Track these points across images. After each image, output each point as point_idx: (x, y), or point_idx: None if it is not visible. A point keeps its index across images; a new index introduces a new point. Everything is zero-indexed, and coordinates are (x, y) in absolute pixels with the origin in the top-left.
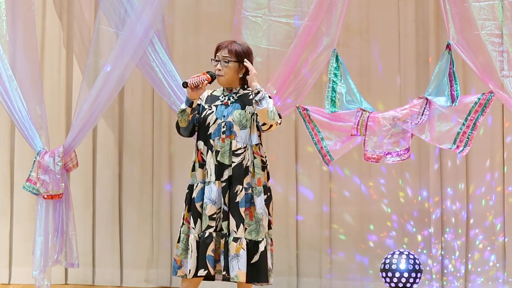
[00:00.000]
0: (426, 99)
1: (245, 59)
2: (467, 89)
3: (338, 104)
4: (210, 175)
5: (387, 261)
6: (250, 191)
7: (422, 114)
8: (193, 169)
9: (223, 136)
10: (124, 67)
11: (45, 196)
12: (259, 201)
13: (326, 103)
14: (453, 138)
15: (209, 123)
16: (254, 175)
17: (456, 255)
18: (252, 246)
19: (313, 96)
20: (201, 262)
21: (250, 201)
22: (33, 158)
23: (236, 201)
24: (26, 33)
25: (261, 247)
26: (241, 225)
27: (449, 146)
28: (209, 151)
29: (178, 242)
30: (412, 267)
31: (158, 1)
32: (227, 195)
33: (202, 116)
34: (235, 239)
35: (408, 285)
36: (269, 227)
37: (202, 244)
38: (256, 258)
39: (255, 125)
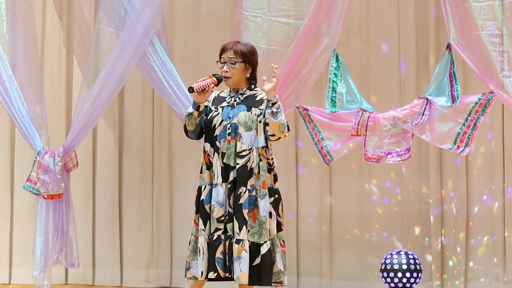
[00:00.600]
0: (427, 99)
1: (273, 67)
2: (467, 89)
3: (338, 104)
4: (217, 177)
5: (387, 261)
6: (254, 193)
7: (423, 114)
8: (201, 171)
9: (229, 137)
10: (124, 67)
11: (45, 196)
12: (263, 203)
13: (326, 103)
14: (453, 138)
15: (215, 125)
16: (259, 177)
17: (456, 254)
18: (254, 249)
19: (313, 96)
20: (210, 265)
21: (253, 203)
22: (33, 158)
23: (239, 203)
24: (26, 33)
25: (263, 250)
26: (244, 227)
27: (449, 146)
28: (216, 153)
29: (190, 244)
30: (412, 267)
31: (158, 1)
32: (231, 197)
33: (208, 118)
34: (238, 241)
35: (408, 285)
36: (280, 229)
37: (211, 247)
38: (257, 260)
39: (261, 127)
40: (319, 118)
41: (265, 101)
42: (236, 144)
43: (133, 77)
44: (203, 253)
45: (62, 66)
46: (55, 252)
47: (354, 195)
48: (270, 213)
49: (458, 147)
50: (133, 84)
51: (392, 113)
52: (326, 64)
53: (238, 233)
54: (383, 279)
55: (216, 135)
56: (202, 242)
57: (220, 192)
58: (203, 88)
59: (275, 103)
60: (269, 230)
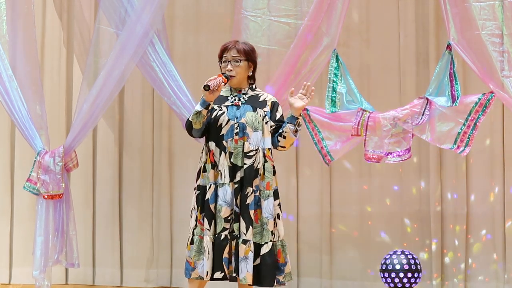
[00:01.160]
0: (427, 99)
1: (309, 86)
2: (467, 89)
3: (338, 104)
4: (224, 177)
5: (387, 261)
6: (257, 193)
7: (423, 114)
8: (204, 170)
9: (236, 137)
10: (124, 67)
11: (45, 196)
12: (266, 205)
13: (326, 103)
14: (453, 138)
15: (221, 124)
16: (263, 178)
17: (456, 254)
18: (255, 249)
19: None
20: (217, 265)
21: (257, 204)
22: (33, 158)
23: (246, 203)
24: (26, 33)
25: (263, 251)
26: (251, 227)
27: (449, 146)
28: (222, 153)
29: (191, 244)
30: (411, 267)
31: (158, 1)
32: (238, 197)
33: (212, 116)
34: (244, 241)
35: (408, 285)
36: None
37: (218, 247)
38: (257, 261)
39: (267, 129)
40: (319, 118)
41: (270, 104)
42: (243, 144)
43: (133, 77)
44: (208, 253)
45: (62, 66)
46: (55, 252)
47: (354, 195)
48: (278, 215)
49: (458, 147)
50: (133, 84)
51: (392, 113)
52: (326, 64)
53: (245, 233)
54: (383, 279)
55: (223, 134)
56: (207, 242)
57: (228, 191)
58: (215, 86)
59: (299, 123)
60: (278, 232)
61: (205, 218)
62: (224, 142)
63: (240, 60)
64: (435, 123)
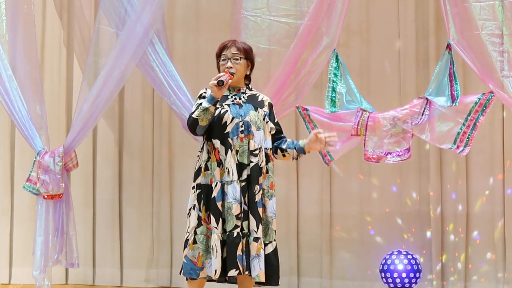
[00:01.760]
0: (426, 99)
1: (334, 140)
2: (467, 89)
3: (338, 104)
4: (232, 174)
5: (387, 261)
6: (261, 192)
7: (422, 114)
8: (206, 169)
9: (242, 135)
10: (124, 67)
11: (45, 196)
12: (271, 204)
13: (326, 103)
14: (453, 138)
15: (225, 122)
16: (266, 177)
17: (456, 254)
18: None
19: (313, 96)
20: (231, 262)
21: (260, 202)
22: (33, 158)
23: (255, 201)
24: (26, 32)
25: (268, 250)
26: (260, 225)
27: (449, 146)
28: (229, 150)
29: (195, 243)
30: (411, 267)
31: (158, 1)
32: (246, 195)
33: (215, 114)
34: (256, 239)
35: (408, 285)
36: None
37: (232, 244)
38: None
39: (267, 129)
40: (319, 118)
41: (267, 105)
42: (249, 142)
43: (133, 77)
44: (216, 251)
45: (62, 66)
46: (55, 252)
47: (354, 195)
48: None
49: (458, 147)
50: (133, 84)
51: (392, 113)
52: (326, 64)
53: (255, 231)
54: (383, 279)
55: (228, 132)
56: (215, 240)
57: (237, 189)
58: (226, 82)
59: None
60: (274, 232)
61: (211, 216)
62: (229, 140)
63: (240, 58)
64: (435, 123)
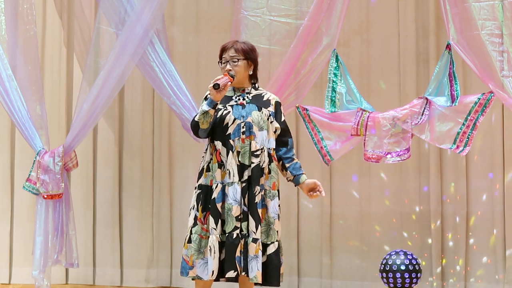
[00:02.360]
0: (426, 99)
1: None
2: (467, 89)
3: (338, 104)
4: (233, 176)
5: (387, 261)
6: (262, 192)
7: (422, 114)
8: (208, 170)
9: (243, 136)
10: (124, 67)
11: (45, 196)
12: (272, 204)
13: (326, 103)
14: (453, 138)
15: (227, 123)
16: (268, 178)
17: (455, 254)
18: (262, 248)
19: (313, 96)
20: (230, 264)
21: (262, 203)
22: (33, 158)
23: (255, 202)
24: (26, 32)
25: (269, 250)
26: (259, 226)
27: (449, 146)
28: (230, 152)
29: (189, 242)
30: (411, 267)
31: (158, 1)
32: (246, 196)
33: (217, 116)
34: (254, 240)
35: (407, 285)
36: None
37: (230, 246)
38: (263, 259)
39: (272, 129)
40: (319, 118)
41: (274, 104)
42: (250, 143)
43: (133, 77)
44: (214, 252)
45: (63, 65)
46: (55, 252)
47: (354, 195)
48: (278, 215)
49: (457, 147)
50: (133, 84)
51: (391, 113)
52: (326, 64)
53: (254, 232)
54: (383, 279)
55: (229, 133)
56: (213, 241)
57: (237, 190)
58: (224, 86)
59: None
60: (277, 232)
61: (210, 217)
62: (231, 141)
63: (238, 59)
64: (435, 123)
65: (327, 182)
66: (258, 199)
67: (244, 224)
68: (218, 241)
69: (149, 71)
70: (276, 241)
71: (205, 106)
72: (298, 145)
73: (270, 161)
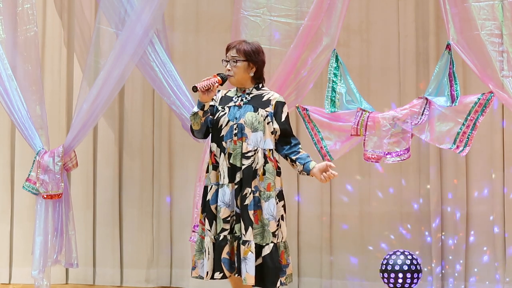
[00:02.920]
0: (426, 99)
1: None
2: (467, 89)
3: (338, 104)
4: (224, 178)
5: (387, 261)
6: (257, 194)
7: (422, 114)
8: (207, 171)
9: (235, 138)
10: (124, 67)
11: (45, 196)
12: (267, 206)
13: (326, 103)
14: (453, 138)
15: (221, 125)
16: (263, 179)
17: (455, 254)
18: (257, 250)
19: (313, 96)
20: (217, 265)
21: (257, 205)
22: (33, 158)
23: (245, 203)
24: (26, 32)
25: (264, 252)
26: (250, 228)
27: (449, 146)
28: (222, 153)
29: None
30: (411, 267)
31: (158, 1)
32: (238, 198)
33: (215, 117)
34: (244, 242)
35: (407, 285)
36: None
37: (217, 247)
38: (258, 261)
39: (269, 130)
40: (319, 118)
41: (273, 104)
42: (242, 144)
43: (133, 77)
44: (208, 253)
45: (63, 65)
46: (54, 252)
47: (354, 195)
48: (282, 216)
49: (457, 147)
50: (133, 84)
51: (391, 113)
52: (326, 64)
53: (244, 234)
54: (383, 279)
55: (223, 135)
56: (208, 242)
57: (226, 192)
58: (207, 87)
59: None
60: (281, 233)
61: (206, 219)
62: (224, 143)
63: (238, 60)
64: (435, 123)
65: (327, 183)
66: (248, 201)
67: (237, 226)
68: (213, 242)
69: (149, 71)
70: (272, 242)
71: (195, 108)
72: None
73: (266, 162)
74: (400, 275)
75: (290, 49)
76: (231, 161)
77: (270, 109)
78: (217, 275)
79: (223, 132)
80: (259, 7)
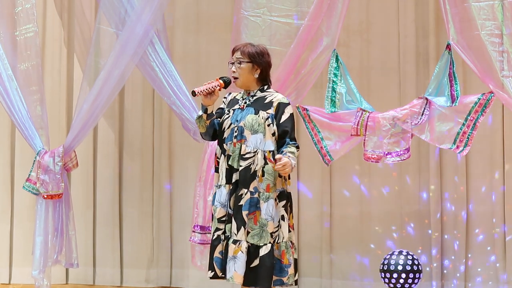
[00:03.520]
0: (426, 99)
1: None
2: (467, 89)
3: (338, 104)
4: (222, 179)
5: (387, 261)
6: (256, 195)
7: (422, 114)
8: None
9: (235, 140)
10: (124, 67)
11: (45, 196)
12: (266, 206)
13: (326, 103)
14: (453, 138)
15: (224, 127)
16: (262, 180)
17: (455, 254)
18: (253, 250)
19: (313, 96)
20: (210, 264)
21: (255, 206)
22: (33, 158)
23: (239, 204)
24: (27, 32)
25: (262, 252)
26: (242, 228)
27: (449, 146)
28: (222, 155)
29: None
30: (411, 267)
31: (158, 1)
32: (232, 198)
33: (221, 120)
34: (235, 242)
35: (407, 285)
36: (289, 230)
37: (211, 247)
38: (256, 262)
39: (270, 131)
40: (319, 118)
41: (275, 106)
42: (241, 146)
43: (133, 77)
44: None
45: (63, 65)
46: (55, 252)
47: (353, 195)
48: (283, 216)
49: (457, 147)
50: (133, 84)
51: (391, 113)
52: (326, 64)
53: (235, 234)
54: (383, 279)
55: (225, 137)
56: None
57: (223, 193)
58: (207, 91)
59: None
60: (282, 233)
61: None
62: (225, 145)
63: (242, 62)
64: (435, 123)
65: (327, 182)
66: (244, 201)
67: (228, 226)
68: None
69: (149, 71)
70: (269, 243)
71: (199, 111)
72: (298, 145)
73: (265, 164)
74: (400, 275)
75: (290, 49)
76: (229, 163)
77: (272, 110)
78: (209, 273)
79: (225, 135)
80: (259, 7)
